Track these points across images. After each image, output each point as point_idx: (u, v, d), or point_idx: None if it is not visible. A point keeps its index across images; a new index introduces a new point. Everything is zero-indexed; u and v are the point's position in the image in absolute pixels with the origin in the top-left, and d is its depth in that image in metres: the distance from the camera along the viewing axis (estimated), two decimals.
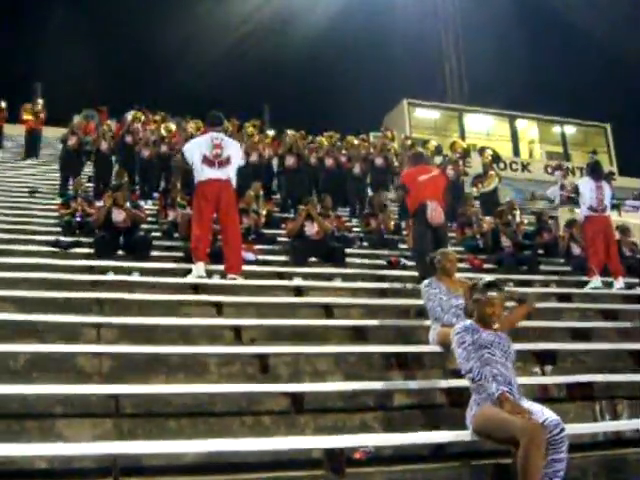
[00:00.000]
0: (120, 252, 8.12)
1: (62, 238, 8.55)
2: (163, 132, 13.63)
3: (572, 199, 9.18)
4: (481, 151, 14.46)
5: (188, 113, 15.04)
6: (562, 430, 3.80)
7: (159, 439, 3.97)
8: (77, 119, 15.91)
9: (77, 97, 22.09)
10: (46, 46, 28.97)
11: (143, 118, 14.72)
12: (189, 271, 7.27)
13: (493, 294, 4.22)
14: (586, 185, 9.05)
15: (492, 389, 3.98)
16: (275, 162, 13.68)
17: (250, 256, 8.32)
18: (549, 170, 23.01)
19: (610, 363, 6.42)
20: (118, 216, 8.23)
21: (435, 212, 7.52)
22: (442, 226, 7.74)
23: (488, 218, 11.12)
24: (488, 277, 4.86)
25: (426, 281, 5.98)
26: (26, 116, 16.18)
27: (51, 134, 17.41)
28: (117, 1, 33.85)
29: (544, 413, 3.90)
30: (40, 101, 16.99)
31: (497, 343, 4.16)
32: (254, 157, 12.85)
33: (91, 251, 8.03)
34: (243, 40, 31.24)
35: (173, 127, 14.14)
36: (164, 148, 12.99)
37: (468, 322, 4.29)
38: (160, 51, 30.08)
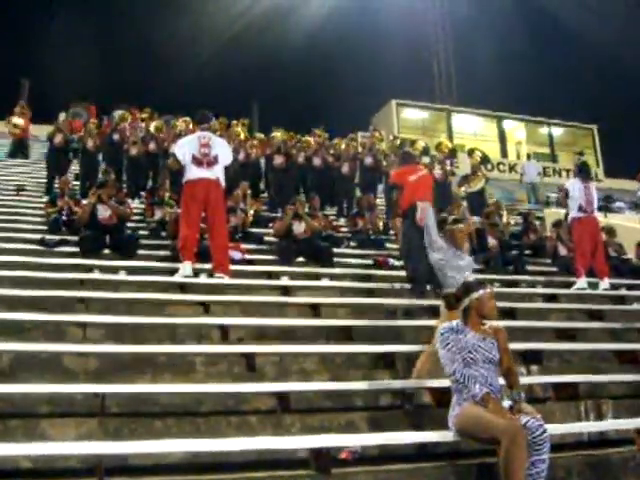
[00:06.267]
0: (106, 251, 8.08)
1: (48, 236, 8.48)
2: (152, 129, 13.55)
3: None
4: (470, 152, 14.47)
5: (177, 112, 14.97)
6: (544, 432, 3.83)
7: (145, 439, 3.95)
8: (62, 117, 15.73)
9: (65, 94, 21.87)
10: (34, 42, 28.79)
11: (130, 118, 14.61)
12: (176, 270, 7.25)
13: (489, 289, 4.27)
14: (575, 186, 9.09)
15: (475, 390, 4.02)
16: (263, 161, 13.65)
17: (237, 255, 8.31)
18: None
19: (595, 363, 6.47)
20: (103, 213, 8.18)
21: (423, 213, 7.51)
22: None
23: (475, 218, 11.13)
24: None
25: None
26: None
27: (38, 132, 17.24)
28: None
29: (526, 415, 3.93)
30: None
31: (478, 346, 4.14)
32: (242, 156, 12.81)
33: (77, 250, 7.98)
34: (232, 39, 31.16)
35: (160, 123, 14.06)
36: (152, 146, 12.91)
37: (454, 322, 4.29)
38: (149, 49, 30.01)
